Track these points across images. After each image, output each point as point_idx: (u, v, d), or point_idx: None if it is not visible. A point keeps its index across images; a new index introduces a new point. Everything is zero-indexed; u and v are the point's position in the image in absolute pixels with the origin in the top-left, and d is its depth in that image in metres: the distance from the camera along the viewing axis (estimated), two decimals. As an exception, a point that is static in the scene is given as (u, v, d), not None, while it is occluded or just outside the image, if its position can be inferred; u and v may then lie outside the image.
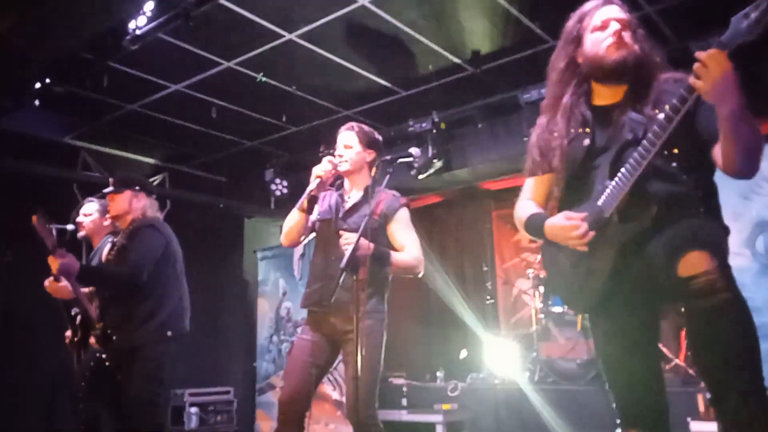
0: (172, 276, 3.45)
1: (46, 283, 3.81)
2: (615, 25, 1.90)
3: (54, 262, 3.22)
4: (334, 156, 2.94)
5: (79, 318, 3.93)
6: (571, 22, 2.02)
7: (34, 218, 3.37)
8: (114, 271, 3.36)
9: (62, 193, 5.73)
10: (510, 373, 5.84)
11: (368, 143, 2.97)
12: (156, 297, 3.32)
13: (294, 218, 2.92)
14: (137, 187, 3.55)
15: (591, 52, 1.93)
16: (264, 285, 7.05)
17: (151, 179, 6.76)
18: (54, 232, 3.43)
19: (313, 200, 2.90)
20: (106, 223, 3.94)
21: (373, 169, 3.01)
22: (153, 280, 3.32)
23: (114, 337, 3.30)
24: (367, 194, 2.94)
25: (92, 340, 3.57)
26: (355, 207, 2.93)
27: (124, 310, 3.31)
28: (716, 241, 1.71)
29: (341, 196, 3.00)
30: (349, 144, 2.94)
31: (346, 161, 2.92)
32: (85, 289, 3.74)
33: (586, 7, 2.00)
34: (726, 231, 1.81)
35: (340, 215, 2.93)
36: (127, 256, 3.33)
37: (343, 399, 2.82)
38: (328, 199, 3.02)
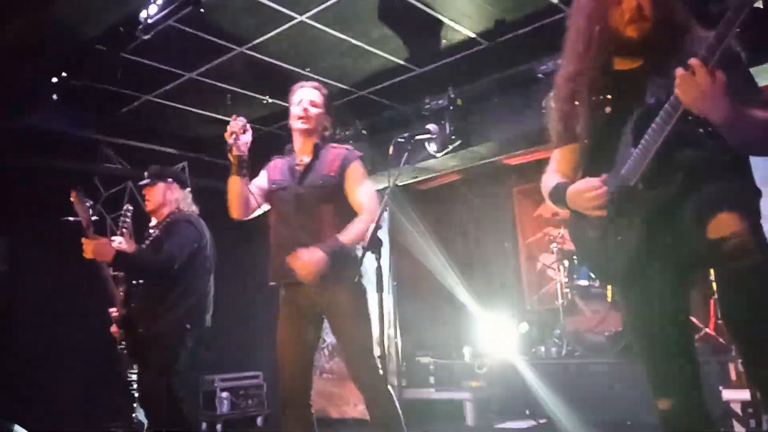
0: (201, 272, 3.49)
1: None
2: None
3: (88, 245, 3.26)
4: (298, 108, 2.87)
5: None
6: None
7: (73, 194, 3.41)
8: (147, 259, 3.41)
9: (84, 186, 5.78)
10: (537, 348, 5.82)
11: (329, 109, 2.94)
12: (181, 289, 3.37)
13: (232, 187, 2.77)
14: (170, 179, 3.58)
15: (610, 28, 1.86)
16: (288, 270, 7.08)
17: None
18: (90, 210, 3.44)
19: (241, 162, 2.73)
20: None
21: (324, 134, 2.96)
22: (181, 273, 3.37)
23: (135, 324, 3.35)
24: (317, 152, 2.87)
25: (113, 328, 3.62)
26: (309, 168, 2.85)
27: (149, 299, 3.35)
28: (746, 202, 1.67)
29: (293, 161, 2.91)
30: (316, 102, 2.88)
31: (311, 118, 2.84)
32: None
33: None
34: (757, 193, 1.76)
35: (296, 179, 2.85)
36: (161, 246, 3.38)
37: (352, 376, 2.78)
38: (280, 166, 2.94)
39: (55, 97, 4.89)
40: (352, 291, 2.72)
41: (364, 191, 2.82)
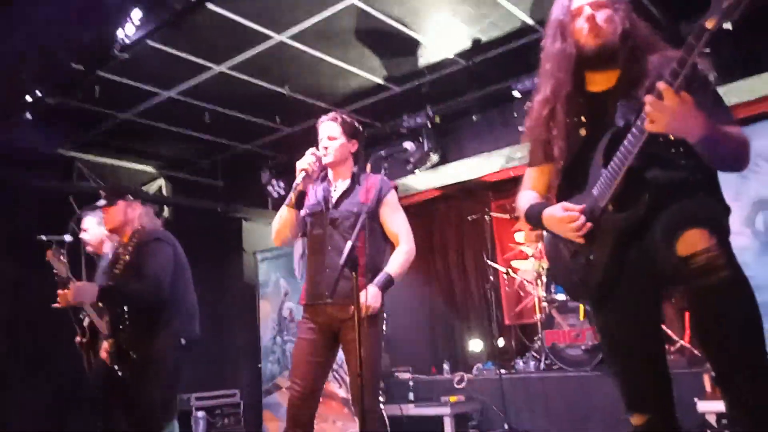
0: (182, 284, 3.45)
1: (59, 293, 3.80)
2: (587, 11, 1.89)
3: (71, 293, 3.22)
4: (317, 148, 2.93)
5: (87, 321, 3.95)
6: (557, 12, 1.99)
7: (49, 253, 3.45)
8: (135, 289, 3.30)
9: (59, 204, 5.73)
10: (515, 362, 5.85)
11: (351, 134, 2.98)
12: (168, 307, 3.32)
13: (283, 215, 2.91)
14: (129, 196, 3.52)
15: (573, 42, 1.91)
16: (265, 286, 7.05)
17: (148, 186, 6.76)
18: (67, 264, 3.50)
19: (301, 195, 2.90)
20: (107, 233, 3.94)
21: (354, 159, 3.03)
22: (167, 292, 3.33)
23: (130, 352, 3.30)
24: (355, 180, 2.96)
25: (103, 354, 3.58)
26: (345, 194, 2.94)
27: (139, 324, 3.31)
28: (715, 219, 1.69)
29: (327, 187, 2.99)
30: (333, 135, 2.94)
31: (331, 153, 2.92)
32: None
33: None
34: (726, 210, 1.80)
35: (331, 206, 2.93)
36: (140, 271, 3.30)
37: (350, 396, 2.81)
38: (314, 193, 3.01)
39: (29, 116, 4.83)
40: (372, 322, 2.75)
41: (400, 221, 2.95)
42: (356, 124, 3.04)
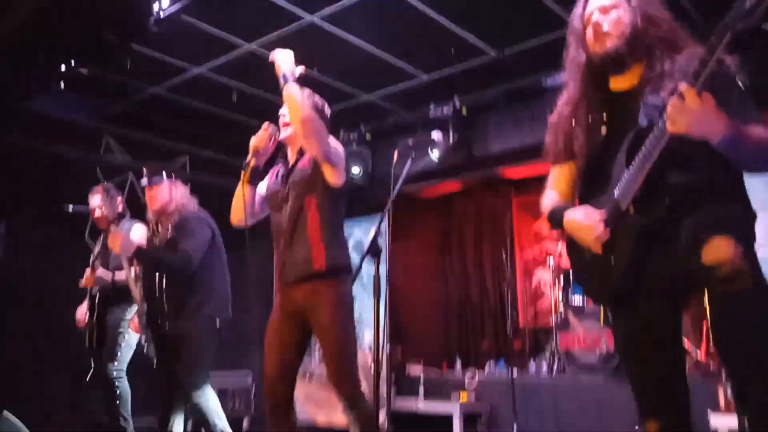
0: (219, 266, 3.53)
1: (86, 275, 3.87)
2: (595, 17, 1.89)
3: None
4: (273, 124, 2.87)
5: (98, 296, 3.99)
6: (573, 20, 1.99)
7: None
8: (166, 258, 3.41)
9: (85, 174, 5.79)
10: (528, 363, 5.80)
11: (312, 107, 2.83)
12: (207, 287, 3.42)
13: (241, 194, 2.84)
14: (173, 176, 3.60)
15: (584, 50, 1.93)
16: (283, 270, 7.05)
17: (173, 163, 6.80)
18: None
19: (255, 172, 2.82)
20: (119, 209, 4.03)
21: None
22: (203, 270, 3.41)
23: (160, 321, 3.37)
24: (302, 153, 2.83)
25: (133, 326, 3.64)
26: (293, 168, 2.83)
27: (177, 298, 3.38)
28: (741, 227, 1.67)
29: (287, 166, 2.91)
30: None
31: (288, 125, 2.82)
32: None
33: None
34: (752, 216, 1.76)
35: (284, 181, 2.84)
36: (177, 246, 3.39)
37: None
38: (274, 174, 2.96)
39: (62, 85, 4.89)
40: (337, 294, 2.68)
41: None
42: (320, 100, 2.93)
